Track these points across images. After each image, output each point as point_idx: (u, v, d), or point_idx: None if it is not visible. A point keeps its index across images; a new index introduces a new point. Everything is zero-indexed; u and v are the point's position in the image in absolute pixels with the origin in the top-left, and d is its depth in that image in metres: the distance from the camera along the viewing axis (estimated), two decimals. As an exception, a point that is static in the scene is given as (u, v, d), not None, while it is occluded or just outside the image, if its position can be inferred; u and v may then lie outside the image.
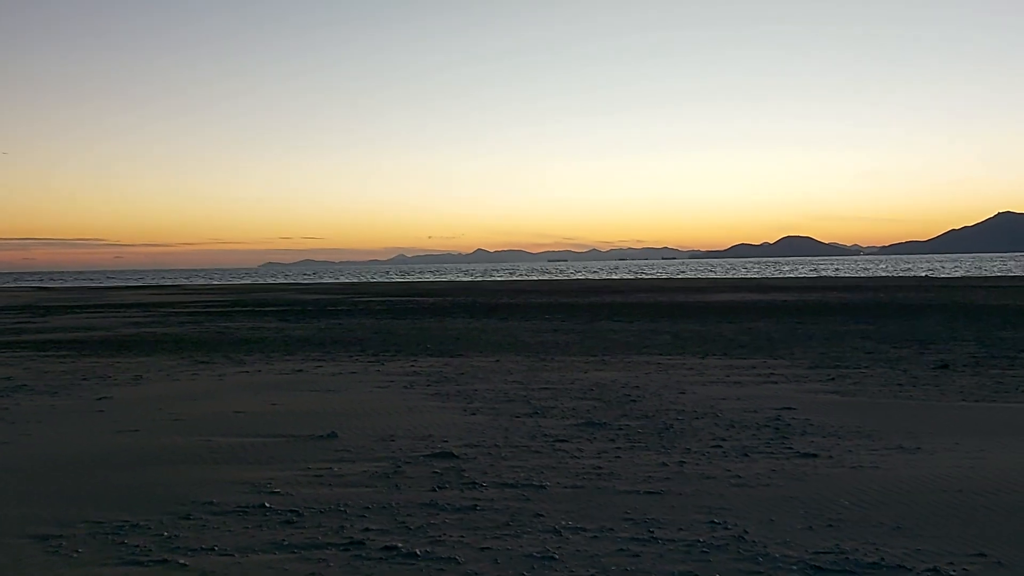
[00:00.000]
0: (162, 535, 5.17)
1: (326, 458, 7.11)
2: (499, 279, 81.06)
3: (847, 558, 4.62)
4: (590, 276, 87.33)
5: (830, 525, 5.19)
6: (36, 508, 5.76)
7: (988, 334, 17.37)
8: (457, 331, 20.67)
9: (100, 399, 10.58)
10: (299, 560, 4.72)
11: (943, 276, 61.77)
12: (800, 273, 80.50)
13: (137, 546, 4.98)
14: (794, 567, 4.51)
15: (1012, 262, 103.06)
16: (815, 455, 6.98)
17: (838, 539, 4.93)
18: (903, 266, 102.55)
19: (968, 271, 74.25)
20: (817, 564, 4.54)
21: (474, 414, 9.16)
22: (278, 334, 20.54)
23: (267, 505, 5.73)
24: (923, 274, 67.76)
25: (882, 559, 4.60)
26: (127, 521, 5.44)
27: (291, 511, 5.60)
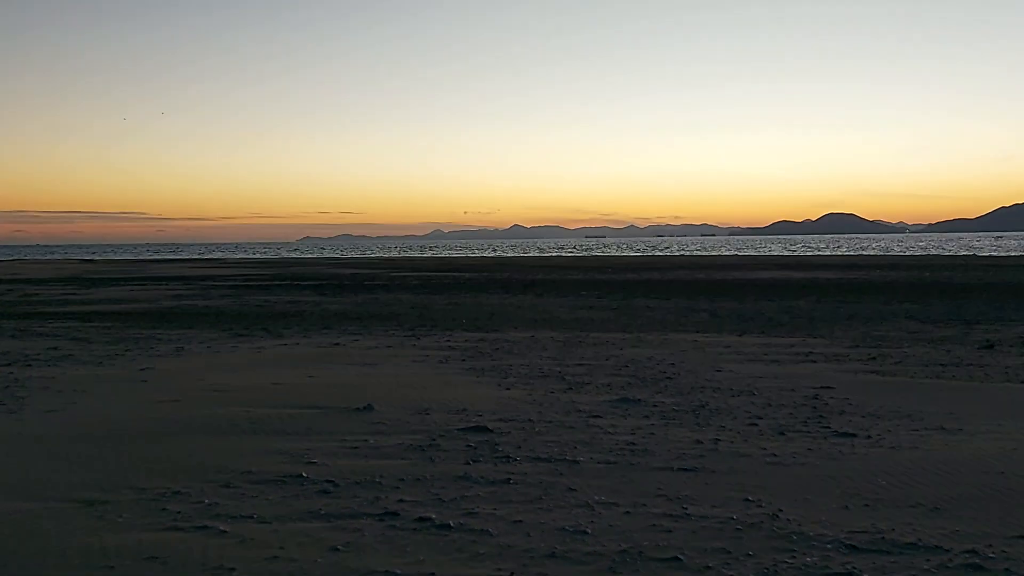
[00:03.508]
0: (203, 502, 5.28)
1: (362, 430, 7.20)
2: (535, 255, 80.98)
3: (883, 538, 4.57)
4: (617, 253, 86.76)
5: (867, 505, 5.13)
6: (81, 474, 5.92)
7: (1035, 314, 16.96)
8: (492, 306, 20.71)
9: (143, 370, 10.80)
10: (335, 529, 4.80)
11: (991, 255, 60.36)
12: (843, 251, 79.24)
13: (179, 512, 5.10)
14: (829, 546, 4.47)
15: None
16: (853, 435, 6.90)
17: (874, 519, 4.87)
18: (950, 244, 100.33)
19: (1018, 250, 72.43)
20: (853, 543, 4.50)
21: (508, 389, 9.19)
22: (316, 308, 20.77)
23: (304, 475, 5.82)
24: (969, 252, 66.24)
25: (919, 540, 4.54)
26: (169, 488, 5.56)
27: (327, 481, 5.68)
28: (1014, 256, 56.58)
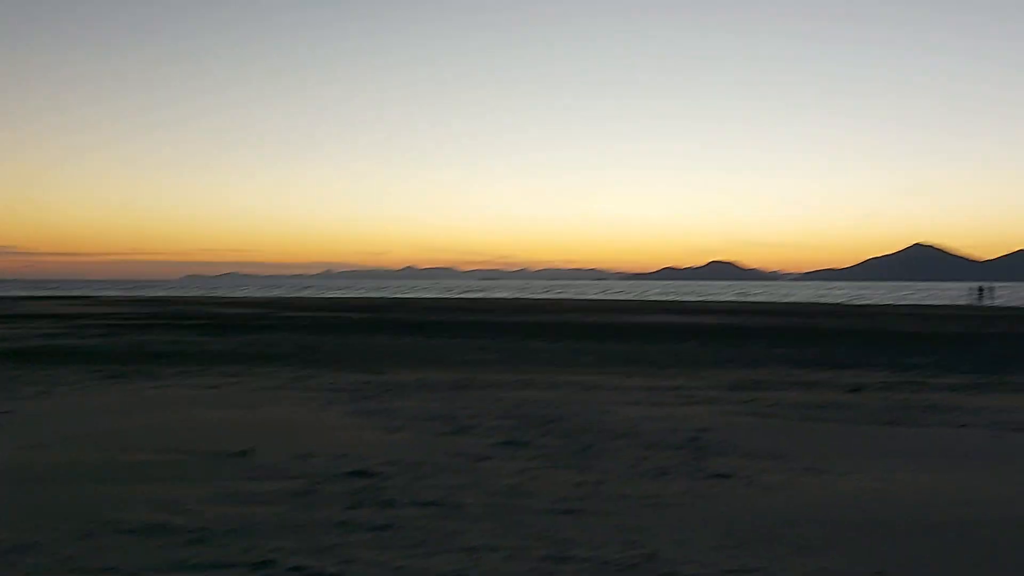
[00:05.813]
0: (59, 554, 4.95)
1: (239, 476, 6.94)
2: (427, 296, 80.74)
3: (754, 577, 4.71)
4: (508, 295, 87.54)
5: (739, 545, 5.29)
6: (-76, 526, 5.46)
7: (899, 360, 18.03)
8: (382, 348, 20.48)
9: (3, 413, 10.11)
10: (204, 581, 4.58)
11: (860, 303, 63.98)
12: (725, 297, 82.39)
13: (34, 564, 4.76)
14: (703, 586, 4.57)
15: (926, 292, 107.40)
16: (729, 476, 7.12)
17: (745, 559, 5.02)
18: (820, 292, 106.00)
19: (884, 299, 77.02)
20: (726, 583, 4.61)
21: (396, 431, 9.07)
22: (196, 348, 20.01)
23: (174, 523, 5.55)
24: (840, 301, 69.99)
25: (788, 577, 4.70)
26: (22, 540, 5.19)
27: (200, 529, 5.43)
28: (879, 304, 60.18)
